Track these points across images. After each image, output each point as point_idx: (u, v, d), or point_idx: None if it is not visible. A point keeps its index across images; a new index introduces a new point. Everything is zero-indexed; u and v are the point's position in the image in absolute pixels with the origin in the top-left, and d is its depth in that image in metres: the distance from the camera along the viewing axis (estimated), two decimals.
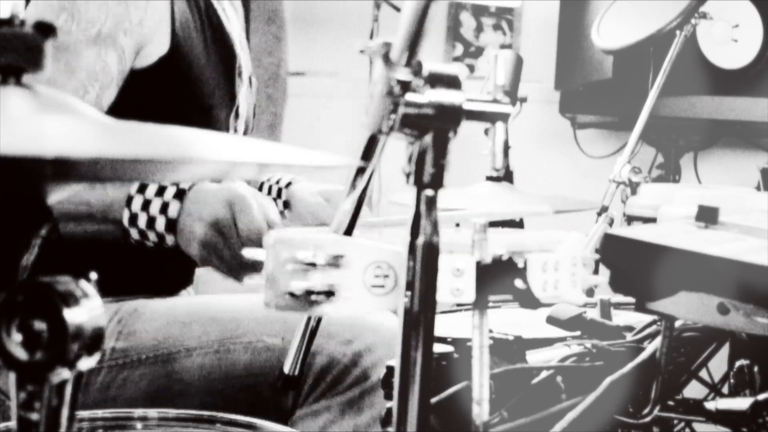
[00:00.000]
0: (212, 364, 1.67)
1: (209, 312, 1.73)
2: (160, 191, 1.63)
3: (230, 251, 1.58)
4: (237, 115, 1.93)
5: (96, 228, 1.64)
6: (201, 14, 1.84)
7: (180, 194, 1.62)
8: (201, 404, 1.59)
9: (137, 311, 1.75)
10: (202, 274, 2.05)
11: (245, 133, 2.00)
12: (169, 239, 1.62)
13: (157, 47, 1.74)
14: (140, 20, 1.71)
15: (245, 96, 1.95)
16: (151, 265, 1.83)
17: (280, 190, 2.01)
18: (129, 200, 1.62)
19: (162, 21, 1.74)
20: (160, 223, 1.62)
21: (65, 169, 0.66)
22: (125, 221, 1.62)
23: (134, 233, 1.63)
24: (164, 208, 1.62)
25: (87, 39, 1.67)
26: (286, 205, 2.02)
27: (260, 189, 1.94)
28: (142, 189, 1.63)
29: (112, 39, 1.69)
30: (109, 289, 1.86)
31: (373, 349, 1.62)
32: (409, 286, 0.87)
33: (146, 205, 1.62)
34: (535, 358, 1.37)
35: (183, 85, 1.78)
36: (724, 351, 1.49)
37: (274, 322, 1.51)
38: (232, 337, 1.68)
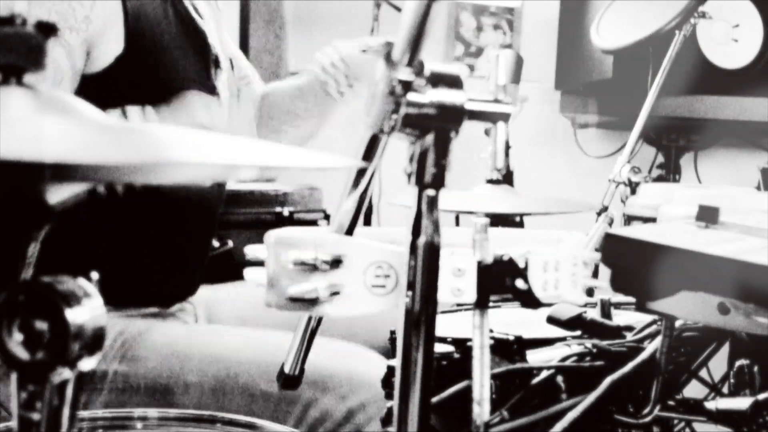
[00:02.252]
0: (207, 404, 1.67)
1: (210, 348, 1.73)
2: None
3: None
4: (220, 105, 1.94)
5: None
6: (167, 8, 1.84)
7: None
8: None
9: (142, 335, 1.75)
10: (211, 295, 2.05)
11: (234, 132, 2.00)
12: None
13: (110, 47, 1.73)
14: (86, 17, 1.69)
15: (226, 85, 1.96)
16: (152, 274, 1.83)
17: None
18: None
19: (112, 19, 1.72)
20: None
21: (65, 172, 0.66)
22: None
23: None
24: None
25: None
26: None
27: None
28: None
29: (58, 36, 1.68)
30: (111, 299, 1.87)
31: (366, 406, 1.62)
32: (410, 286, 0.87)
33: None
34: (535, 357, 1.37)
35: (155, 79, 1.77)
36: (724, 351, 1.49)
37: (274, 367, 1.50)
38: (228, 377, 1.68)
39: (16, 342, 0.72)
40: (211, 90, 1.89)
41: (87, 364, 0.73)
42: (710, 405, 1.30)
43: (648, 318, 1.42)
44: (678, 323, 1.36)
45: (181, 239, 1.88)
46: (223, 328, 1.86)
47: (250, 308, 2.01)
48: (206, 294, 2.02)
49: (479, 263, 0.93)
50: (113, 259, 1.79)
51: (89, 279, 0.74)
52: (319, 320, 1.25)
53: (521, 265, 0.95)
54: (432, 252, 0.87)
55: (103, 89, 1.72)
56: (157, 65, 1.78)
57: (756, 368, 1.42)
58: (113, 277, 1.68)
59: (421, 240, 0.86)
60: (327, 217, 3.10)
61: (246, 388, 1.67)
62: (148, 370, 1.71)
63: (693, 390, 1.53)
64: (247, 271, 0.96)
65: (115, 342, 1.74)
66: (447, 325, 1.50)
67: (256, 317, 1.94)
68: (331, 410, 1.63)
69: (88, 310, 0.73)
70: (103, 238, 1.78)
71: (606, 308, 1.53)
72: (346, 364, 1.68)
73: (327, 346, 1.69)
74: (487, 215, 0.96)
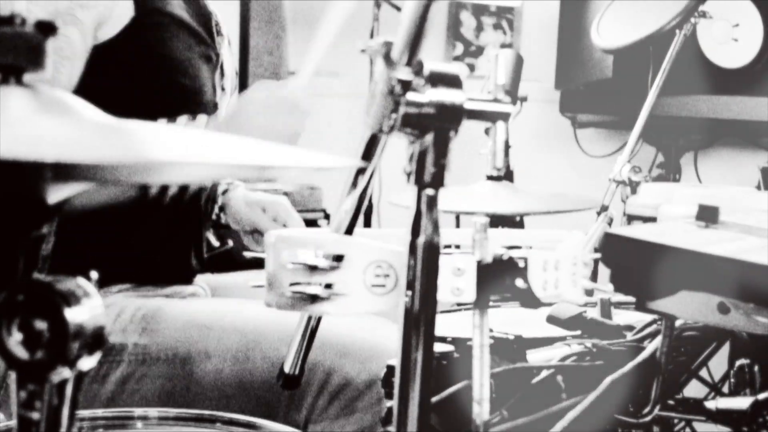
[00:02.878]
0: (229, 371, 1.68)
1: (232, 320, 1.74)
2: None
3: None
4: (222, 73, 1.94)
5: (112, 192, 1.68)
6: None
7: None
8: (216, 408, 1.59)
9: (161, 309, 1.76)
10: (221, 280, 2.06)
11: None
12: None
13: (119, 18, 1.74)
14: None
15: (228, 54, 1.96)
16: (149, 253, 1.84)
17: (215, 195, 2.02)
18: None
19: None
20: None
21: (65, 172, 0.66)
22: None
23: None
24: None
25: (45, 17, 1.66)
26: (222, 209, 2.02)
27: (199, 195, 1.95)
28: None
29: (71, 15, 1.69)
30: (116, 276, 1.87)
31: None
32: (410, 285, 0.87)
33: None
34: (535, 357, 1.37)
35: (161, 47, 1.79)
36: (725, 350, 1.49)
37: None
38: (251, 347, 1.68)
39: (15, 341, 0.72)
40: (215, 57, 1.90)
41: (87, 363, 0.73)
42: (710, 405, 1.30)
43: (648, 318, 1.43)
44: (678, 323, 1.37)
45: (175, 218, 1.88)
46: (242, 301, 1.86)
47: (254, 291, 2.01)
48: (214, 280, 2.02)
49: (479, 263, 0.93)
50: (109, 238, 1.79)
51: (89, 278, 0.74)
52: (319, 320, 1.25)
53: (521, 264, 0.95)
54: (431, 251, 0.87)
55: (109, 58, 1.74)
56: (164, 31, 1.78)
57: (756, 368, 1.42)
58: (114, 255, 1.70)
59: (421, 239, 0.86)
60: (327, 216, 3.11)
61: (268, 356, 1.67)
62: (168, 340, 1.72)
63: (693, 390, 1.53)
64: (247, 253, 0.95)
65: (134, 316, 1.74)
66: (447, 325, 1.50)
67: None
68: (354, 376, 1.63)
69: (87, 309, 0.73)
70: (103, 217, 1.78)
71: (606, 308, 1.53)
72: (365, 331, 1.69)
73: (346, 319, 1.69)
74: (487, 215, 0.96)
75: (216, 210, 2.02)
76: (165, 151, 0.72)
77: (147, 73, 1.77)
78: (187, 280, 1.95)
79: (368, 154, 1.01)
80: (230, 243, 2.47)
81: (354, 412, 1.63)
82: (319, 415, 1.64)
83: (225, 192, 2.03)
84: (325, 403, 1.63)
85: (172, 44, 1.80)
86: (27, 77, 0.76)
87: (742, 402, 1.27)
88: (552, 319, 1.46)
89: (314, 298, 0.92)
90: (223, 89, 1.94)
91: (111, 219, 1.79)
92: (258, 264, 0.97)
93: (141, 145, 0.73)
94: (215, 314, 1.76)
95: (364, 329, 1.70)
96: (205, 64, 1.87)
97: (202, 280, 2.01)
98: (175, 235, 1.88)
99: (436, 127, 0.87)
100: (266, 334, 1.69)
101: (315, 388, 1.64)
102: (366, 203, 1.10)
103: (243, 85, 3.81)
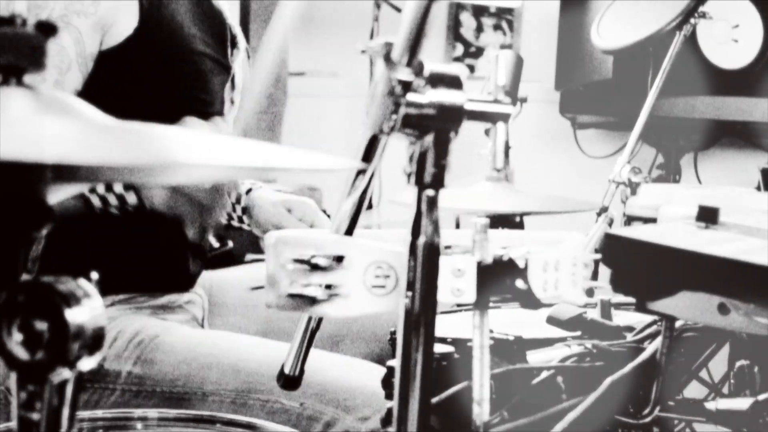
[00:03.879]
0: (226, 412, 1.65)
1: (231, 358, 1.70)
2: None
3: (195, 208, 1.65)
4: (233, 86, 1.93)
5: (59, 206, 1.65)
6: None
7: None
8: None
9: (159, 337, 1.73)
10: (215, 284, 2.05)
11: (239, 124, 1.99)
12: (131, 198, 1.64)
13: (125, 23, 1.74)
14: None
15: (242, 67, 1.95)
16: (146, 262, 1.83)
17: (239, 196, 1.99)
18: None
19: None
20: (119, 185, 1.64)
21: (65, 172, 0.66)
22: (86, 191, 1.63)
23: (95, 200, 1.63)
24: None
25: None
26: (245, 210, 1.99)
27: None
28: None
29: (64, 22, 1.68)
30: (111, 285, 1.86)
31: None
32: (410, 286, 0.87)
33: None
34: (535, 358, 1.37)
35: (169, 55, 1.78)
36: (725, 351, 1.49)
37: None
38: (249, 391, 1.66)
39: (15, 342, 0.72)
40: (227, 69, 1.89)
41: (87, 364, 0.73)
42: (710, 405, 1.30)
43: (648, 318, 1.43)
44: (678, 323, 1.36)
45: (176, 226, 1.87)
46: (242, 337, 1.83)
47: (252, 291, 2.00)
48: (208, 277, 2.01)
49: (479, 263, 0.93)
50: (109, 246, 1.79)
51: (89, 279, 0.74)
52: (319, 321, 1.25)
53: (521, 265, 0.95)
54: (432, 252, 0.87)
55: (117, 66, 1.74)
56: (172, 39, 1.78)
57: (756, 368, 1.42)
58: (109, 265, 1.69)
59: (421, 240, 0.86)
60: (327, 217, 3.10)
61: (267, 403, 1.65)
62: (164, 375, 1.69)
63: (693, 390, 1.53)
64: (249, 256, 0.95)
65: (130, 342, 1.72)
66: (447, 326, 1.50)
67: (258, 300, 1.94)
68: (354, 427, 1.61)
69: (87, 310, 0.73)
70: (97, 225, 1.78)
71: (606, 308, 1.53)
72: (370, 383, 1.65)
73: (350, 363, 1.68)
74: (487, 215, 0.96)
75: (239, 212, 2.00)
76: (165, 152, 0.72)
77: (152, 82, 1.77)
78: (185, 287, 1.93)
79: (368, 155, 1.01)
80: (230, 243, 2.47)
81: None
82: None
83: (249, 192, 2.00)
84: None
85: (179, 54, 1.80)
86: (27, 78, 0.76)
87: (742, 403, 1.27)
88: (552, 320, 1.46)
89: (314, 299, 0.92)
90: (232, 102, 1.93)
91: (104, 227, 1.78)
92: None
93: (141, 146, 0.73)
94: (215, 350, 1.72)
95: (369, 379, 1.63)
96: (216, 76, 1.86)
97: (199, 283, 2.00)
98: (172, 241, 1.86)
99: (436, 127, 0.87)
100: (267, 378, 1.65)
101: None
102: (366, 204, 1.10)
103: None
